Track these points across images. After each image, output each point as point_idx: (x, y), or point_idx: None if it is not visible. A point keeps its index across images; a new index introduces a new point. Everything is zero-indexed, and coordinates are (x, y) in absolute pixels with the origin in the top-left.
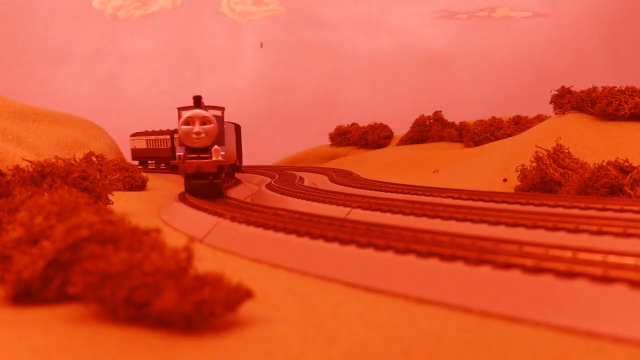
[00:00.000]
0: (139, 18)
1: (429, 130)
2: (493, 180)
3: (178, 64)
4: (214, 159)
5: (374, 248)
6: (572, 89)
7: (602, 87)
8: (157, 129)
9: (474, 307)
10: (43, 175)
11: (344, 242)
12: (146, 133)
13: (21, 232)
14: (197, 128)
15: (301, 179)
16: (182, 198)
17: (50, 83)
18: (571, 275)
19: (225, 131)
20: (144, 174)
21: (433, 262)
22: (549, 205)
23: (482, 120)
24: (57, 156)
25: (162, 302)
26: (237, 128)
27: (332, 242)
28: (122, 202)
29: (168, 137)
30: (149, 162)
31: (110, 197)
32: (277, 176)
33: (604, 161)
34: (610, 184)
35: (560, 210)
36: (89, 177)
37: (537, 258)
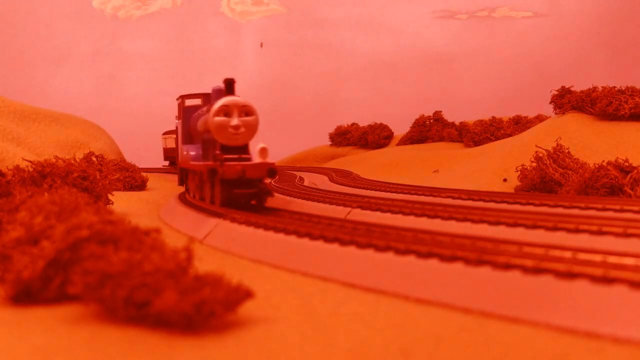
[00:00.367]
0: (139, 18)
1: (429, 130)
2: (493, 180)
3: (178, 64)
4: (260, 160)
5: (374, 249)
6: (572, 89)
7: (602, 87)
8: None
9: (473, 308)
10: (43, 175)
11: (343, 242)
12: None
13: (21, 232)
14: (235, 120)
15: (301, 179)
16: (182, 198)
17: (50, 83)
18: (571, 276)
19: None
20: (144, 174)
21: (433, 262)
22: (549, 205)
23: (482, 120)
24: (57, 156)
25: (162, 302)
26: None
27: (332, 243)
28: (122, 202)
29: None
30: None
31: (110, 197)
32: (277, 176)
33: (604, 161)
34: (610, 184)
35: (560, 210)
36: (89, 177)
37: (537, 259)
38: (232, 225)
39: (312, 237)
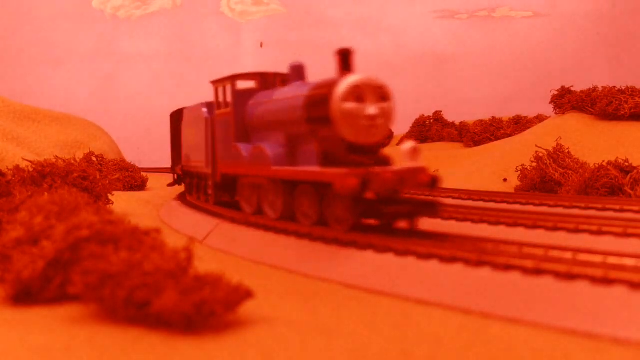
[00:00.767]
0: (139, 18)
1: (429, 130)
2: (493, 180)
3: (178, 64)
4: (411, 164)
5: (374, 250)
6: (572, 88)
7: (602, 87)
8: None
9: (473, 309)
10: (43, 175)
11: (343, 243)
12: None
13: (21, 232)
14: (372, 108)
15: None
16: (181, 199)
17: (50, 83)
18: (571, 276)
19: None
20: (144, 174)
21: (433, 263)
22: (549, 205)
23: (482, 120)
24: (57, 156)
25: (162, 302)
26: None
27: (331, 244)
28: (122, 202)
29: None
30: None
31: (110, 197)
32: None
33: (604, 161)
34: (610, 184)
35: (560, 210)
36: (89, 177)
37: (537, 259)
38: (232, 226)
39: (312, 238)
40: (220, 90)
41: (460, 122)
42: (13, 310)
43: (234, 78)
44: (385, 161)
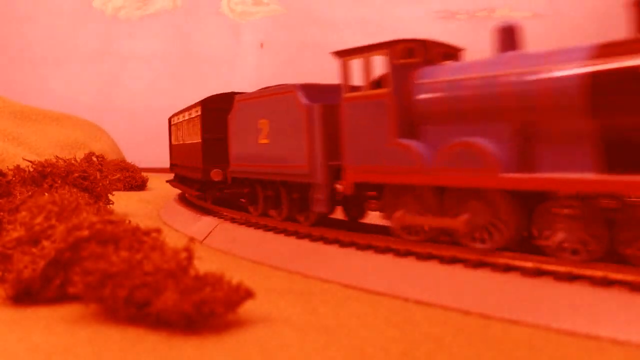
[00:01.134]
0: (139, 18)
1: None
2: None
3: (178, 64)
4: None
5: (374, 250)
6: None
7: None
8: None
9: (473, 310)
10: (43, 175)
11: (344, 244)
12: None
13: (22, 232)
14: None
15: None
16: (182, 198)
17: (50, 83)
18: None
19: None
20: (144, 174)
21: (432, 264)
22: None
23: None
24: (57, 156)
25: (163, 302)
26: None
27: (332, 244)
28: (123, 202)
29: None
30: None
31: (110, 197)
32: None
33: None
34: None
35: None
36: (90, 177)
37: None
38: (233, 226)
39: (312, 238)
40: (358, 64)
41: None
42: (13, 310)
43: (392, 45)
44: None
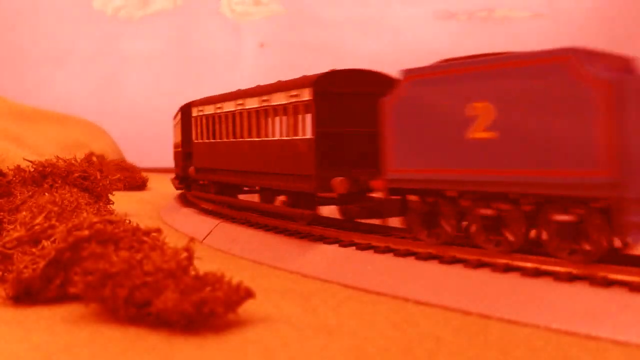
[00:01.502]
0: (140, 19)
1: None
2: None
3: (178, 64)
4: None
5: (374, 250)
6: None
7: None
8: None
9: (473, 310)
10: (44, 175)
11: (344, 244)
12: None
13: (22, 232)
14: None
15: None
16: (182, 198)
17: (51, 83)
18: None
19: None
20: (144, 174)
21: (432, 264)
22: None
23: None
24: (57, 156)
25: (163, 302)
26: None
27: (332, 244)
28: (123, 202)
29: None
30: None
31: (110, 197)
32: None
33: None
34: None
35: None
36: (90, 177)
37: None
38: (233, 225)
39: (313, 238)
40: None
41: None
42: (14, 310)
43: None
44: None
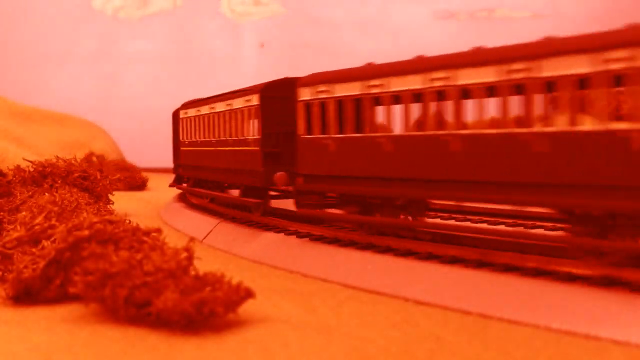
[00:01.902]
0: (140, 19)
1: None
2: None
3: (178, 64)
4: None
5: (374, 250)
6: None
7: None
8: None
9: (473, 310)
10: (44, 175)
11: (344, 243)
12: None
13: (22, 232)
14: None
15: None
16: (182, 198)
17: (51, 83)
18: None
19: None
20: (144, 174)
21: (432, 264)
22: None
23: None
24: (57, 156)
25: (163, 302)
26: None
27: (332, 244)
28: (123, 202)
29: None
30: None
31: (110, 197)
32: None
33: None
34: None
35: None
36: (90, 177)
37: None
38: (233, 225)
39: (313, 238)
40: None
41: None
42: (14, 310)
43: None
44: None
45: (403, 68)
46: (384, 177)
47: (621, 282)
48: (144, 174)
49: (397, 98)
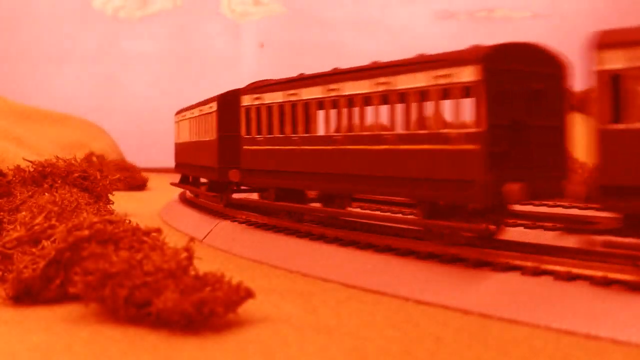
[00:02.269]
0: (140, 18)
1: None
2: None
3: (178, 64)
4: None
5: (374, 249)
6: (572, 89)
7: None
8: None
9: (473, 309)
10: (44, 175)
11: (344, 243)
12: None
13: (22, 232)
14: None
15: None
16: (182, 198)
17: (51, 83)
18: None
19: None
20: (144, 174)
21: (432, 264)
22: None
23: None
24: (57, 156)
25: (163, 302)
26: None
27: (332, 244)
28: (123, 202)
29: None
30: None
31: (110, 197)
32: None
33: None
34: None
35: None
36: (90, 177)
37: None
38: (233, 225)
39: (313, 237)
40: None
41: None
42: (14, 310)
43: None
44: None
45: (313, 81)
46: (295, 171)
47: (621, 282)
48: (144, 174)
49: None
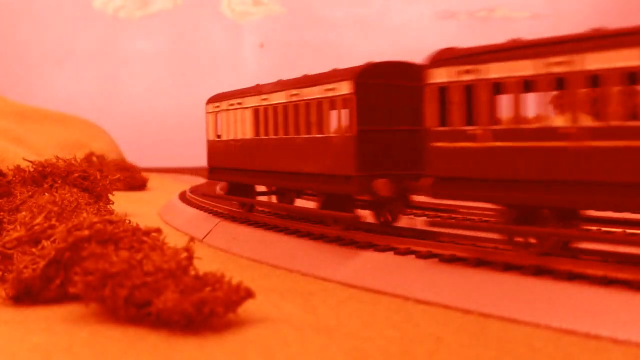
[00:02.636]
0: (140, 18)
1: None
2: None
3: (178, 64)
4: None
5: (374, 249)
6: None
7: None
8: None
9: (473, 309)
10: (44, 175)
11: (344, 243)
12: None
13: (22, 232)
14: None
15: None
16: (182, 198)
17: (51, 83)
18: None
19: None
20: (144, 174)
21: (432, 263)
22: None
23: None
24: (57, 156)
25: (163, 302)
26: None
27: (331, 243)
28: (123, 202)
29: None
30: None
31: (110, 197)
32: None
33: None
34: None
35: None
36: (90, 177)
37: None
38: (233, 224)
39: (313, 237)
40: None
41: None
42: (14, 310)
43: None
44: None
45: (258, 90)
46: (238, 169)
47: (621, 281)
48: (144, 174)
49: (256, 111)
